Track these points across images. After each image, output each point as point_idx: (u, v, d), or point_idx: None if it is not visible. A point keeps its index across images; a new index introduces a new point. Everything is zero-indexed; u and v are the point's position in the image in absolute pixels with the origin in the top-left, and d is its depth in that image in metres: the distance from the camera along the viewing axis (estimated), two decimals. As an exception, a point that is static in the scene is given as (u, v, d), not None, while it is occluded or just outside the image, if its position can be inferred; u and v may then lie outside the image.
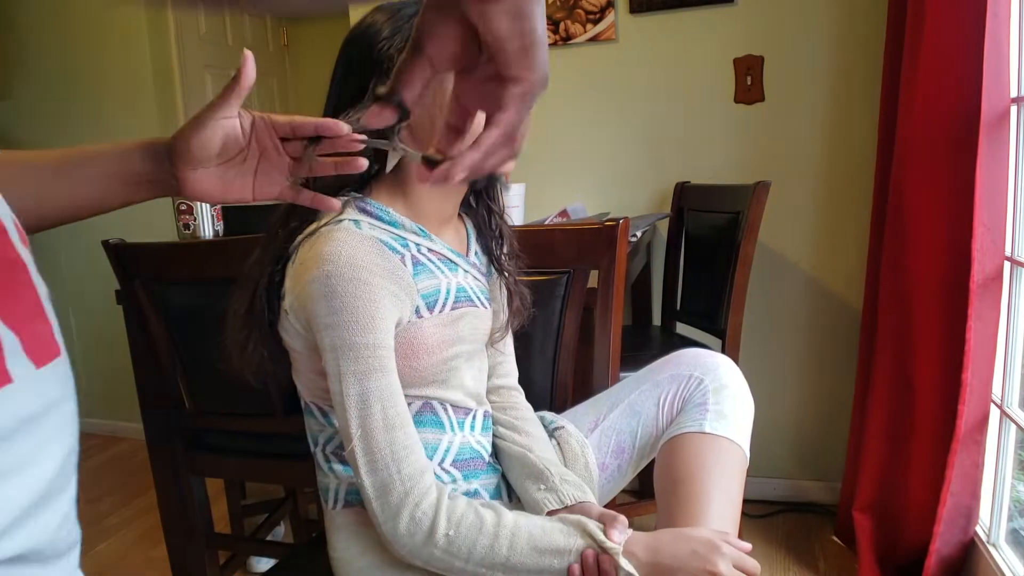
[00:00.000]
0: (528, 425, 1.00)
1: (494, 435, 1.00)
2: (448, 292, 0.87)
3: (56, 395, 0.38)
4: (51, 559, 0.37)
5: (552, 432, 1.03)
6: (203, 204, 1.68)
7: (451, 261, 0.90)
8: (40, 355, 0.37)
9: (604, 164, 2.25)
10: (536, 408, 1.08)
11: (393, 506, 0.77)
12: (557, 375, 1.19)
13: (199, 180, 0.66)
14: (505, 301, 0.99)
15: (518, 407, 1.03)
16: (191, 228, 1.67)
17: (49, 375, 0.38)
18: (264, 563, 1.94)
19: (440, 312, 0.86)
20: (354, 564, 0.89)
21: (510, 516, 0.80)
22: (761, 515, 2.12)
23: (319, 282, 0.78)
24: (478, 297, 0.93)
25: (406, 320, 0.83)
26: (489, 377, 1.03)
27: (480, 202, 1.00)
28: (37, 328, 0.37)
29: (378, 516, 0.78)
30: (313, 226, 0.84)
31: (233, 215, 1.72)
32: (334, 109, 0.87)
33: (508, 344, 1.06)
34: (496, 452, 0.99)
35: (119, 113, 2.86)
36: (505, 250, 1.00)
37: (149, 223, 2.02)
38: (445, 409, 0.90)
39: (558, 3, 2.19)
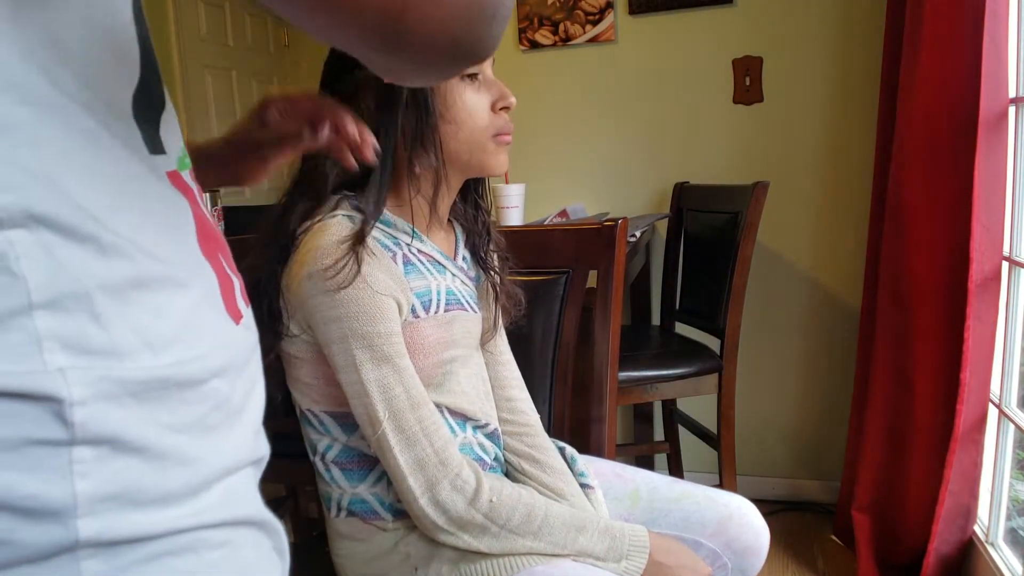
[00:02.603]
0: (548, 457, 0.98)
1: (513, 467, 0.98)
2: (439, 294, 0.88)
3: (255, 330, 0.45)
4: (261, 471, 0.44)
5: (580, 486, 1.00)
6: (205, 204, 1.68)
7: (439, 264, 0.90)
8: (246, 299, 0.44)
9: (603, 164, 2.26)
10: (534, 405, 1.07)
11: (430, 478, 0.80)
12: (556, 375, 1.19)
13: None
14: (492, 300, 0.99)
15: (531, 432, 1.01)
16: (191, 228, 1.67)
17: (251, 314, 0.45)
18: (264, 562, 1.94)
19: (436, 313, 0.87)
20: (357, 571, 0.90)
21: (542, 498, 0.87)
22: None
23: (316, 277, 0.78)
24: (467, 301, 0.93)
25: (404, 318, 0.83)
26: (492, 388, 1.01)
27: (468, 200, 1.00)
28: (239, 277, 0.45)
29: (413, 491, 0.80)
30: (306, 223, 0.84)
31: (234, 215, 1.73)
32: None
33: (502, 347, 1.04)
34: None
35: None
36: (491, 247, 1.00)
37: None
38: (443, 413, 0.89)
39: (558, 4, 2.19)
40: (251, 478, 0.41)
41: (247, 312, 0.44)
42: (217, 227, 0.44)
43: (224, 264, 0.42)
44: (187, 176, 0.42)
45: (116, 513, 0.32)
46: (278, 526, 0.42)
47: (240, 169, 0.73)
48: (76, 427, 0.31)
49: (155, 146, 0.39)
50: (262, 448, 0.42)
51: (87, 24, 0.34)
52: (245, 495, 0.40)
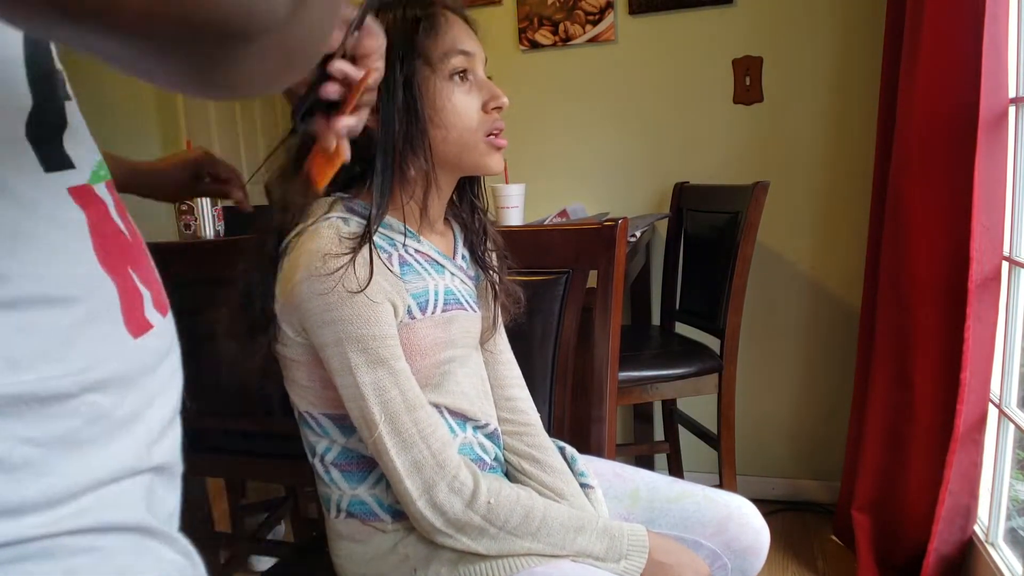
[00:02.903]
0: (548, 456, 0.98)
1: (513, 467, 0.98)
2: (437, 294, 0.87)
3: (171, 340, 0.47)
4: (172, 477, 0.46)
5: (580, 486, 1.00)
6: (205, 204, 1.68)
7: (438, 263, 0.90)
8: (161, 309, 0.46)
9: (604, 164, 2.26)
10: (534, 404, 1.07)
11: (427, 480, 0.79)
12: (556, 375, 1.19)
13: None
14: (491, 299, 0.99)
15: (531, 432, 1.00)
16: (192, 228, 1.68)
17: (167, 324, 0.47)
18: (264, 562, 1.94)
19: (432, 313, 0.86)
20: (356, 572, 0.90)
21: (540, 498, 0.87)
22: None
23: (311, 280, 0.78)
24: (466, 300, 0.92)
25: (400, 320, 0.83)
26: (492, 388, 1.01)
27: (464, 199, 0.99)
28: (157, 287, 0.46)
29: (411, 493, 0.80)
30: (300, 226, 0.83)
31: (234, 216, 1.73)
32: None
33: (502, 346, 1.04)
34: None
35: (120, 115, 2.86)
36: (489, 246, 0.99)
37: (150, 223, 2.02)
38: (441, 413, 0.89)
39: (558, 4, 2.19)
40: (142, 487, 0.41)
41: (160, 322, 0.45)
42: (134, 238, 0.45)
43: (133, 276, 0.43)
44: (101, 188, 0.43)
45: None
46: (173, 534, 0.44)
47: (161, 194, 1.07)
48: None
49: (54, 163, 0.39)
50: (159, 456, 0.43)
51: None
52: (128, 503, 0.40)
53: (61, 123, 0.41)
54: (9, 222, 0.36)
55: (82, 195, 0.41)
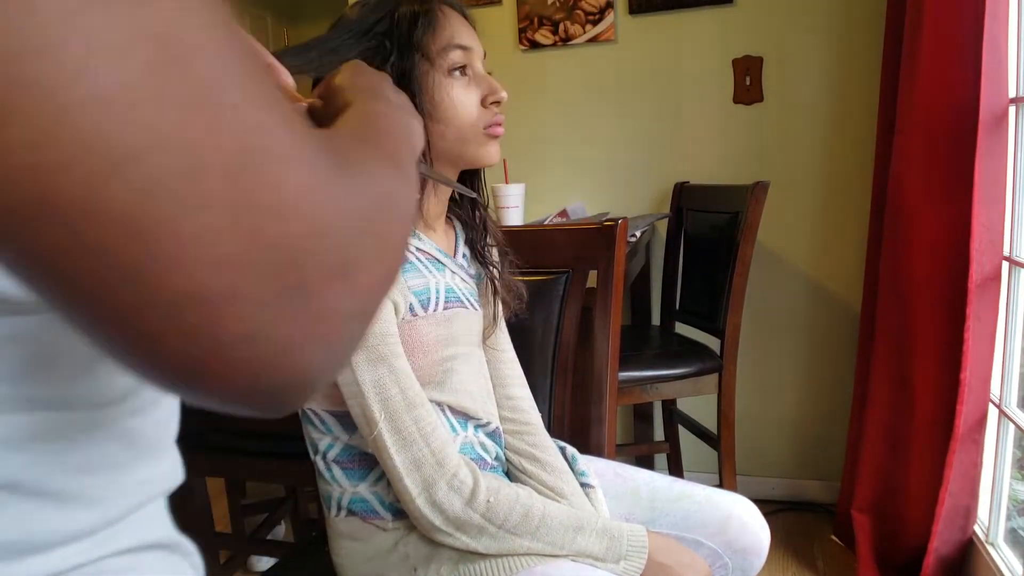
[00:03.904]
0: (549, 455, 0.98)
1: (513, 466, 0.98)
2: (438, 292, 0.87)
3: None
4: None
5: (581, 485, 1.00)
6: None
7: (438, 261, 0.90)
8: None
9: (603, 164, 2.26)
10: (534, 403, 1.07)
11: (427, 478, 0.79)
12: (556, 375, 1.19)
13: None
14: (491, 294, 0.98)
15: (532, 431, 1.00)
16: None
17: None
18: (264, 562, 1.94)
19: (434, 311, 0.86)
20: (356, 571, 0.89)
21: (539, 497, 0.87)
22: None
23: None
24: (467, 299, 0.92)
25: (401, 316, 0.83)
26: (493, 386, 1.01)
27: (464, 196, 0.99)
28: None
29: (410, 491, 0.80)
30: None
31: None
32: None
33: (504, 344, 1.04)
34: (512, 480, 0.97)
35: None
36: (489, 241, 0.99)
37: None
38: (443, 412, 0.89)
39: (557, 4, 2.19)
40: (163, 503, 0.41)
41: None
42: None
43: None
44: None
45: (11, 561, 0.31)
46: (190, 547, 0.43)
47: None
48: None
49: None
50: (178, 476, 0.42)
51: None
52: (156, 521, 0.40)
53: None
54: None
55: None
